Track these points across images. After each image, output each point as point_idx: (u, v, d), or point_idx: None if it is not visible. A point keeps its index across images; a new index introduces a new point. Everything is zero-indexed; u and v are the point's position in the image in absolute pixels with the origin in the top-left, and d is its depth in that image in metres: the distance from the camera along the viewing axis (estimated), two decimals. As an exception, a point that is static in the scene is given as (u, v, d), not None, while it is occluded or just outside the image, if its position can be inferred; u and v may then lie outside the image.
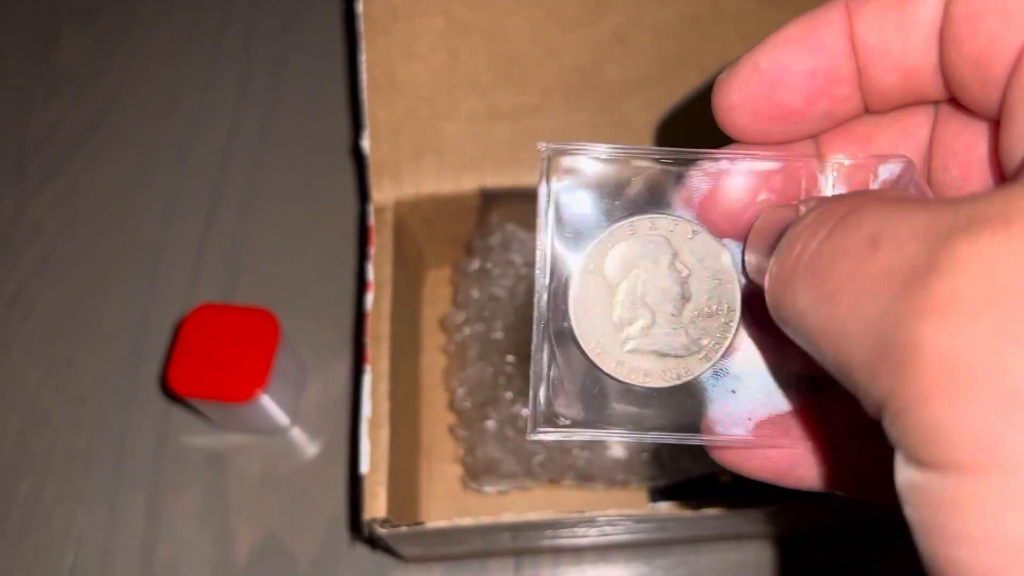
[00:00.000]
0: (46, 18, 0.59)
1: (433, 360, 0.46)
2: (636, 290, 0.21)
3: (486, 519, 0.35)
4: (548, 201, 0.21)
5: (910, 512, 0.14)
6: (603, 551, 0.42)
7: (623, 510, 0.35)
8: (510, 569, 0.42)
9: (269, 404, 0.43)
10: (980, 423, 0.13)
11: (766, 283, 0.18)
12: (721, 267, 0.21)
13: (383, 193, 0.42)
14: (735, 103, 0.21)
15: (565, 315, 0.21)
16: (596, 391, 0.22)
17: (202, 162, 0.54)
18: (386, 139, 0.42)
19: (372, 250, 0.41)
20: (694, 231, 0.21)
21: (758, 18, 0.43)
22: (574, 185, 0.22)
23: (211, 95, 0.56)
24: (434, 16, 0.43)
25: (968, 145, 0.21)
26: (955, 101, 0.20)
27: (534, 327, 0.21)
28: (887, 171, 0.21)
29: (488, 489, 0.43)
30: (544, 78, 0.43)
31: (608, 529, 0.37)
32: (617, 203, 0.22)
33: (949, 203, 0.15)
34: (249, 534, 0.44)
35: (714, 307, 0.21)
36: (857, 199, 0.17)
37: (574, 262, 0.21)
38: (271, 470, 0.45)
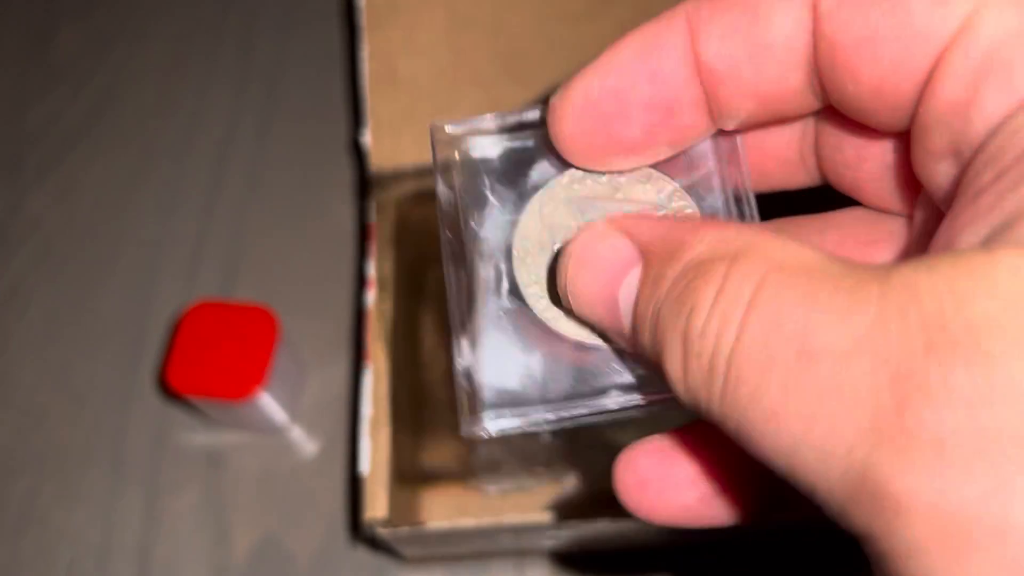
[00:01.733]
0: (43, 12, 0.59)
1: (434, 359, 0.46)
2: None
3: (488, 520, 0.35)
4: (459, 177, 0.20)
5: None
6: (605, 552, 0.42)
7: (625, 511, 0.34)
8: (511, 570, 0.42)
9: (268, 402, 0.43)
10: None
11: (672, 379, 0.16)
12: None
13: (384, 189, 0.42)
14: (568, 134, 0.19)
15: (499, 285, 0.20)
16: (538, 369, 0.20)
17: (200, 157, 0.54)
18: (387, 134, 0.42)
19: (372, 247, 0.40)
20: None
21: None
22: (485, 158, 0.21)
23: (209, 90, 0.56)
24: (436, 9, 0.43)
25: (859, 157, 0.19)
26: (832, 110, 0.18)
27: (458, 305, 0.20)
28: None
29: (490, 489, 0.42)
30: (548, 73, 0.42)
31: (611, 530, 0.37)
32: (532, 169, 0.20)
33: (875, 286, 0.13)
34: (247, 533, 0.44)
35: None
36: (759, 271, 0.14)
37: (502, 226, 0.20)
38: (270, 469, 0.45)
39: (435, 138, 0.20)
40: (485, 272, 0.20)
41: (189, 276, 0.50)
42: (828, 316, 0.13)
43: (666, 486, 0.19)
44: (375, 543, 0.42)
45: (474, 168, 0.21)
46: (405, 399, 0.41)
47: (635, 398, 0.19)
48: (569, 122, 0.19)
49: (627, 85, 0.18)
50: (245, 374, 0.41)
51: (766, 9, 0.17)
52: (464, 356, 0.20)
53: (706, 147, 0.20)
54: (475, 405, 0.20)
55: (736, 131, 0.20)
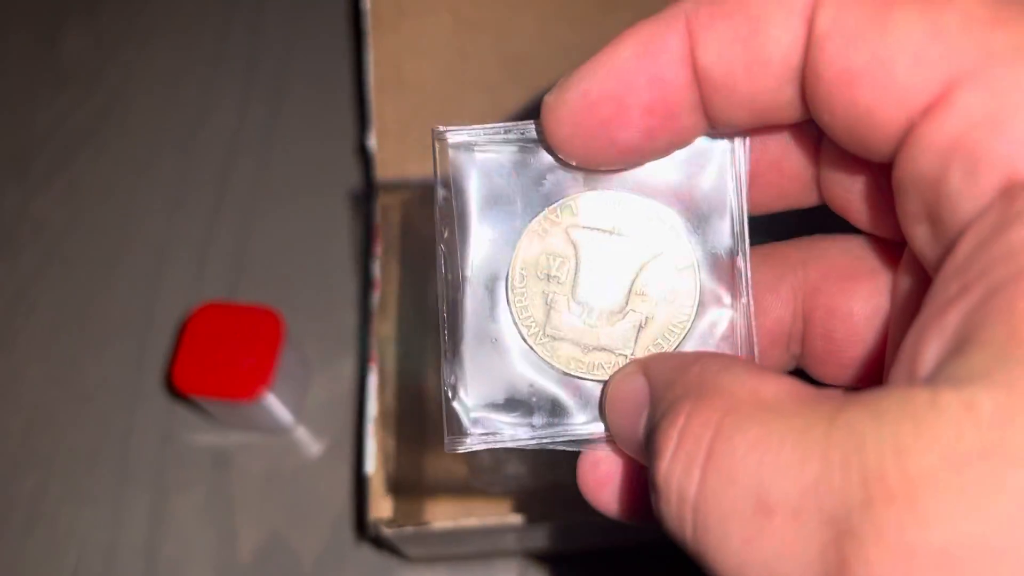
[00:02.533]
0: (49, 13, 0.59)
1: (439, 359, 0.46)
2: (578, 279, 0.20)
3: (492, 520, 0.35)
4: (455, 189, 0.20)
5: None
6: (608, 554, 0.42)
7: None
8: (515, 570, 0.42)
9: (274, 403, 0.43)
10: None
11: (659, 516, 0.16)
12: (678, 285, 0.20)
13: (389, 192, 0.42)
14: (565, 135, 0.19)
15: (492, 310, 0.20)
16: (526, 389, 0.21)
17: (206, 159, 0.54)
18: (393, 137, 0.42)
19: (378, 249, 0.41)
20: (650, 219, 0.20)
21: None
22: (487, 168, 0.20)
23: (215, 92, 0.56)
24: (442, 13, 0.43)
25: (848, 309, 0.20)
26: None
27: (450, 321, 0.20)
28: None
29: (494, 490, 0.42)
30: (553, 76, 0.42)
31: (614, 532, 0.37)
32: (541, 184, 0.20)
33: (821, 427, 0.13)
34: (253, 533, 0.44)
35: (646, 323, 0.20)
36: (712, 410, 0.15)
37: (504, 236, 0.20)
38: (275, 469, 0.45)
39: (436, 145, 0.20)
40: (478, 293, 0.20)
41: (195, 277, 0.50)
42: (778, 467, 0.13)
43: (628, 483, 0.20)
44: (380, 543, 0.42)
45: (474, 180, 0.20)
46: (410, 400, 0.41)
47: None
48: (566, 124, 0.18)
49: (626, 88, 0.18)
50: (251, 375, 0.41)
51: (765, 21, 0.16)
52: (450, 375, 0.20)
53: (720, 182, 0.20)
54: (453, 425, 0.20)
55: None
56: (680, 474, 0.15)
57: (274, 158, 0.54)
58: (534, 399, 0.20)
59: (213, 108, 0.55)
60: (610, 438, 0.20)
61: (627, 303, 0.20)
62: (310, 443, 0.46)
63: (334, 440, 0.46)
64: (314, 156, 0.53)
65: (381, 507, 0.35)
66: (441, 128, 0.20)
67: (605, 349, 0.20)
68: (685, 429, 0.15)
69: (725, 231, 0.20)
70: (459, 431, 0.20)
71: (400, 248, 0.41)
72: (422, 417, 0.44)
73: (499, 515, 0.35)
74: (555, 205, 0.20)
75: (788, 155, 0.20)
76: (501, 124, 0.20)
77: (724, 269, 0.20)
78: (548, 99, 0.19)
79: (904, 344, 0.15)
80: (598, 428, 0.20)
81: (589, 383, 0.20)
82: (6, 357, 0.49)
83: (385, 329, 0.39)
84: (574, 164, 0.20)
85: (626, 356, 0.20)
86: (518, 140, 0.20)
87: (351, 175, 0.52)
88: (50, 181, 0.54)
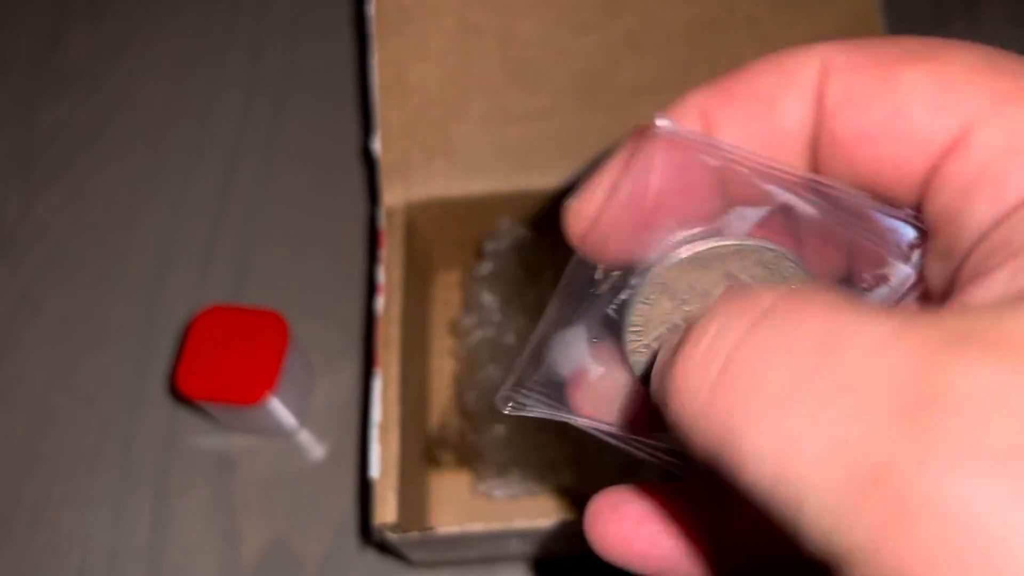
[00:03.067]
0: (52, 15, 0.59)
1: (443, 364, 0.46)
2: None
3: (497, 525, 0.35)
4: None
5: None
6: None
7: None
8: (519, 575, 0.42)
9: (277, 406, 0.43)
10: None
11: (667, 381, 0.15)
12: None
13: (394, 195, 0.42)
14: (584, 231, 0.19)
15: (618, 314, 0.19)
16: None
17: (210, 162, 0.54)
18: (397, 141, 0.42)
19: (382, 253, 0.41)
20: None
21: (772, 22, 0.43)
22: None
23: (219, 94, 0.56)
24: (446, 18, 0.43)
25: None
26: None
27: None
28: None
29: (498, 494, 0.42)
30: (556, 81, 0.43)
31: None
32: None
33: (908, 311, 0.13)
34: (256, 537, 0.44)
35: None
36: (784, 289, 0.14)
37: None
38: (279, 472, 0.45)
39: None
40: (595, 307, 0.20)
41: (199, 280, 0.50)
42: (856, 316, 0.13)
43: (631, 533, 0.20)
44: (384, 547, 0.42)
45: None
46: (414, 404, 0.41)
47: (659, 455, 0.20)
48: (586, 218, 0.19)
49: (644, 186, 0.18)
50: (255, 378, 0.41)
51: (778, 99, 0.17)
52: (542, 338, 0.20)
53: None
54: (521, 380, 0.20)
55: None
56: (723, 317, 0.14)
57: (278, 161, 0.54)
58: (602, 397, 0.21)
59: (216, 111, 0.55)
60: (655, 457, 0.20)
61: None
62: (314, 447, 0.46)
63: (338, 444, 0.46)
64: (318, 159, 0.53)
65: (386, 512, 0.35)
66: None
67: None
68: (741, 300, 0.14)
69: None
70: (515, 388, 0.20)
71: (404, 252, 0.41)
72: (426, 421, 0.44)
73: (504, 520, 0.35)
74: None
75: None
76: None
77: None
78: (570, 205, 0.19)
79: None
80: (647, 449, 0.21)
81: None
82: (9, 360, 0.49)
83: (389, 333, 0.39)
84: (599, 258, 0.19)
85: None
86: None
87: (355, 178, 0.52)
88: (53, 184, 0.54)
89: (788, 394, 0.13)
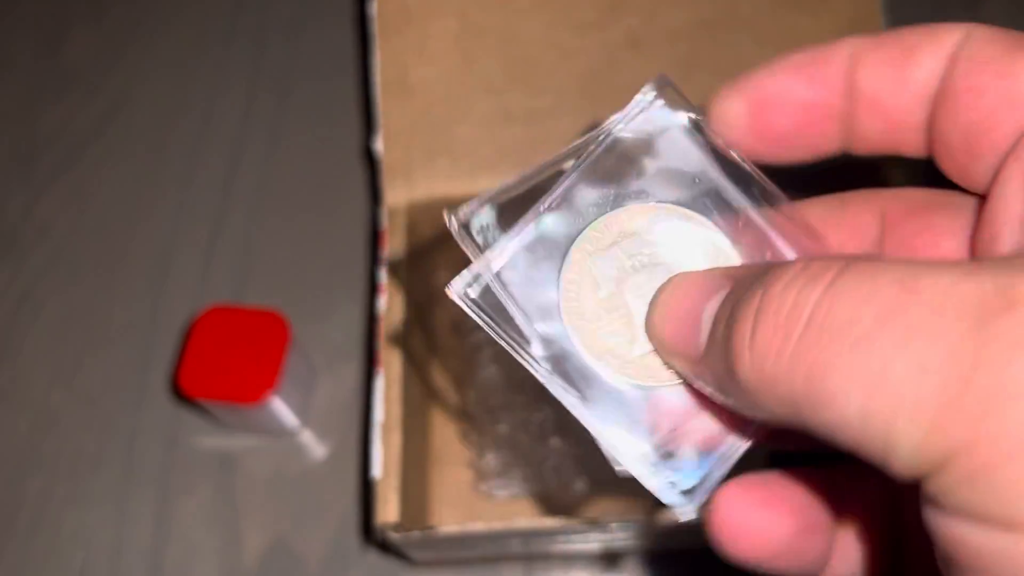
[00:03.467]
0: (54, 16, 0.59)
1: (445, 364, 0.46)
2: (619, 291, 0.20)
3: (498, 525, 0.35)
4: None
5: None
6: (614, 557, 0.42)
7: (635, 516, 0.35)
8: (521, 574, 0.42)
9: (279, 406, 0.43)
10: None
11: (739, 352, 0.16)
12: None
13: (395, 195, 0.42)
14: (730, 116, 0.21)
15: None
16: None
17: (212, 162, 0.54)
18: (399, 141, 0.42)
19: (384, 253, 0.41)
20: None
21: (773, 22, 0.43)
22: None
23: (221, 95, 0.56)
24: (448, 18, 0.43)
25: (930, 243, 0.21)
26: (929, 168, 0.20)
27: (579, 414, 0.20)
28: None
29: (500, 494, 0.42)
30: (558, 81, 0.43)
31: (620, 535, 0.37)
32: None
33: (967, 260, 0.14)
34: (258, 537, 0.44)
35: None
36: (849, 256, 0.15)
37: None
38: (280, 472, 0.45)
39: (452, 229, 0.21)
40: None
41: (201, 280, 0.50)
42: (928, 265, 0.14)
43: (765, 521, 0.20)
44: (386, 547, 0.42)
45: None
46: (416, 404, 0.41)
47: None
48: (733, 107, 0.21)
49: (793, 84, 0.21)
50: (257, 378, 0.41)
51: (917, 50, 0.19)
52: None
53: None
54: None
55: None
56: (804, 276, 0.15)
57: (280, 161, 0.54)
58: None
59: (218, 111, 0.55)
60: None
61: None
62: (315, 446, 0.46)
63: (339, 443, 0.46)
64: (320, 159, 0.53)
65: (387, 512, 0.35)
66: (449, 212, 0.21)
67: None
68: (812, 262, 0.15)
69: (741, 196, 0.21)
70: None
71: (406, 252, 0.41)
72: (428, 422, 0.44)
73: (505, 520, 0.35)
74: (569, 255, 0.21)
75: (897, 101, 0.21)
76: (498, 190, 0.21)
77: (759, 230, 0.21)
78: (723, 87, 0.21)
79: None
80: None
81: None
82: (11, 359, 0.49)
83: (391, 333, 0.39)
84: (724, 141, 0.21)
85: None
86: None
87: (357, 178, 0.52)
88: (55, 183, 0.54)
89: (875, 329, 0.13)
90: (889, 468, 0.14)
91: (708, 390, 0.18)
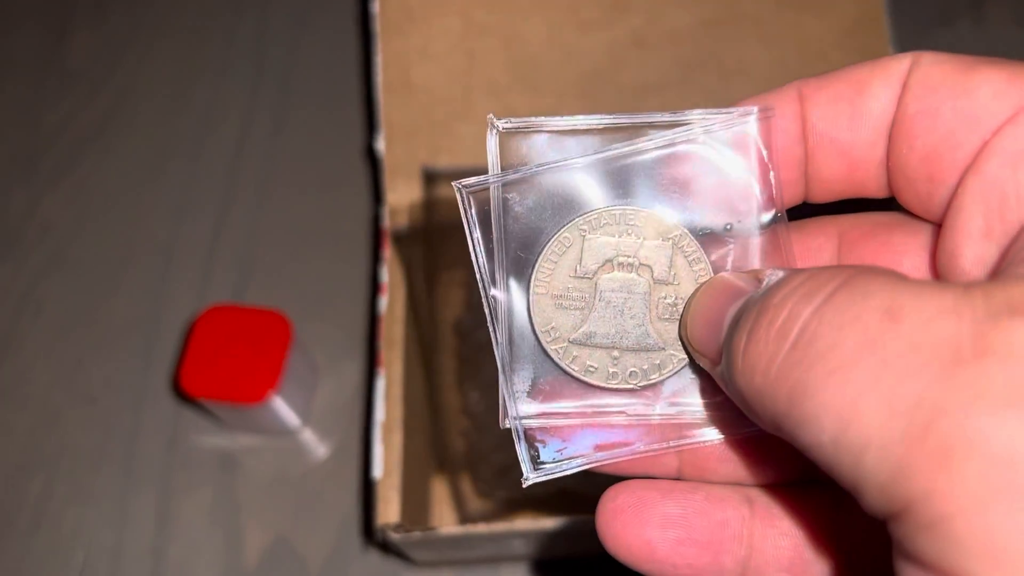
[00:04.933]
0: (57, 14, 0.59)
1: (446, 364, 0.46)
2: (598, 286, 0.21)
3: (499, 525, 0.35)
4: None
5: None
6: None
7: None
8: (522, 575, 0.42)
9: (280, 406, 0.43)
10: None
11: (734, 358, 0.16)
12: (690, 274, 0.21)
13: (397, 195, 0.42)
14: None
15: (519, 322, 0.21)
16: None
17: (214, 161, 0.54)
18: (401, 141, 0.42)
19: (386, 252, 0.41)
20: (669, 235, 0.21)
21: (777, 21, 0.43)
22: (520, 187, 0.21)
23: (223, 94, 0.56)
24: (451, 17, 0.43)
25: (890, 264, 0.20)
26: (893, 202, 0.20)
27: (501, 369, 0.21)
28: None
29: (501, 494, 0.42)
30: (561, 80, 0.43)
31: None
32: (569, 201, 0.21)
33: (961, 285, 0.14)
34: (260, 536, 0.44)
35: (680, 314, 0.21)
36: (849, 269, 0.15)
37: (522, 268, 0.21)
38: (282, 472, 0.45)
39: (463, 194, 0.21)
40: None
41: (203, 279, 0.50)
42: (916, 291, 0.14)
43: (656, 538, 0.20)
44: (387, 547, 0.42)
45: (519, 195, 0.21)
46: (417, 404, 0.41)
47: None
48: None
49: None
50: (258, 378, 0.41)
51: (868, 83, 0.19)
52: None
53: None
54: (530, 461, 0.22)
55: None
56: (799, 292, 0.15)
57: (282, 160, 0.54)
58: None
59: (221, 110, 0.55)
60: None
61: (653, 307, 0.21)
62: (317, 446, 0.46)
63: (341, 443, 0.46)
64: (322, 158, 0.53)
65: (388, 512, 0.35)
66: (460, 183, 0.21)
67: (651, 349, 0.21)
68: (814, 274, 0.16)
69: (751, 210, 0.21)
70: (536, 464, 0.21)
71: (408, 251, 0.41)
72: (429, 421, 0.44)
73: (506, 521, 0.35)
74: (577, 218, 0.21)
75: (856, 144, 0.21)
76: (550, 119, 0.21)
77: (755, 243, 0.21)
78: None
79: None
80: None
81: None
82: (13, 358, 0.49)
83: (393, 333, 0.39)
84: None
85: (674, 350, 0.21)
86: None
87: (359, 177, 0.52)
88: (57, 182, 0.54)
89: (855, 357, 0.14)
90: (860, 502, 0.14)
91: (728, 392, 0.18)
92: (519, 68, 0.43)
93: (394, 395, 0.37)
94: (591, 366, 0.21)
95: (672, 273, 0.20)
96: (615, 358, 0.21)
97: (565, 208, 0.21)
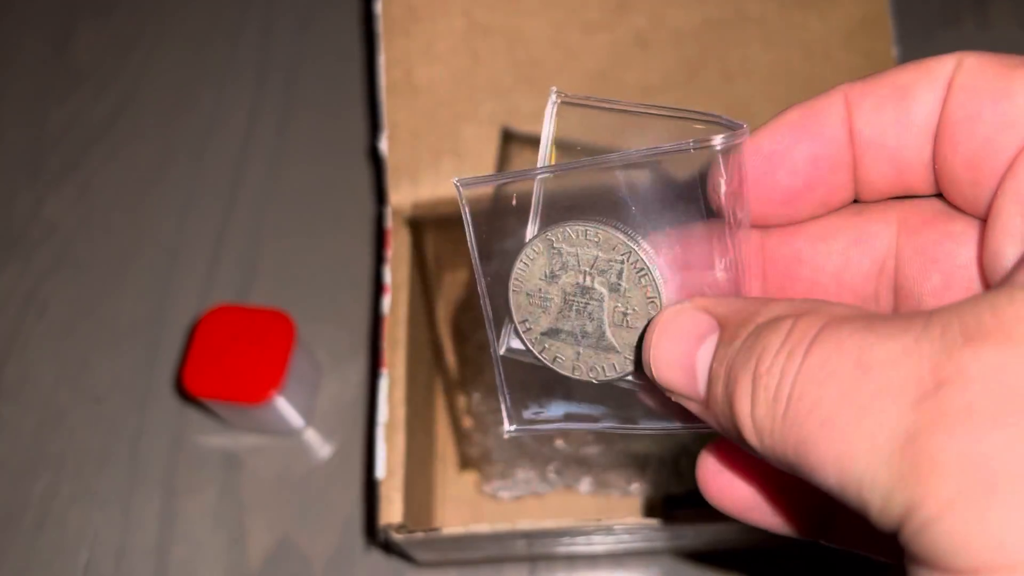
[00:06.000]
0: (62, 14, 0.59)
1: (449, 364, 0.46)
2: (567, 282, 0.23)
3: (502, 526, 0.35)
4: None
5: None
6: (619, 558, 0.42)
7: (640, 518, 0.35)
8: (525, 575, 0.42)
9: (284, 406, 0.43)
10: (1009, 526, 0.14)
11: (742, 422, 0.18)
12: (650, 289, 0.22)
13: (401, 195, 0.42)
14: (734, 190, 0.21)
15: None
16: (558, 387, 0.24)
17: (218, 161, 0.54)
18: (404, 141, 0.42)
19: (389, 253, 0.41)
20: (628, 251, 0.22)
21: (781, 22, 0.43)
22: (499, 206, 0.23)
23: (228, 93, 0.56)
24: (455, 18, 0.43)
25: (949, 253, 0.21)
26: (942, 200, 0.21)
27: (491, 340, 0.23)
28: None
29: (503, 495, 0.42)
30: (565, 81, 0.43)
31: (624, 537, 0.37)
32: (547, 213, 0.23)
33: (921, 318, 0.15)
34: (263, 536, 0.44)
35: (631, 322, 0.22)
36: (821, 317, 0.17)
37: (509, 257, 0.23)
38: (286, 471, 0.45)
39: (461, 194, 0.23)
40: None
41: (206, 279, 0.50)
42: (881, 337, 0.16)
43: (729, 478, 0.22)
44: (389, 547, 0.42)
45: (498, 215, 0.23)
46: (420, 404, 0.41)
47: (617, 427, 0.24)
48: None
49: (794, 142, 0.21)
50: (262, 378, 0.41)
51: (913, 87, 0.20)
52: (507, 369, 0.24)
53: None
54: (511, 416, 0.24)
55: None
56: (784, 361, 0.17)
57: (286, 161, 0.54)
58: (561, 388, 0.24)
59: (225, 110, 0.55)
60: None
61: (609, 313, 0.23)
62: (320, 446, 0.46)
63: (344, 442, 0.46)
64: (326, 159, 0.53)
65: (391, 512, 0.35)
66: (461, 181, 0.23)
67: (608, 350, 0.23)
68: (792, 331, 0.17)
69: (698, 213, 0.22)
70: (517, 418, 0.24)
71: (411, 251, 0.41)
72: (432, 422, 0.44)
73: (509, 521, 0.35)
74: (548, 231, 0.23)
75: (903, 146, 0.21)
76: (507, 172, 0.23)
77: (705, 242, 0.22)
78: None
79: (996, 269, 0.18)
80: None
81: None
82: (18, 358, 0.49)
83: (396, 333, 0.39)
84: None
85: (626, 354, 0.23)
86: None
87: (362, 177, 0.52)
88: (62, 183, 0.54)
89: (835, 411, 0.16)
90: (874, 524, 0.16)
91: (711, 423, 0.20)
92: (523, 69, 0.43)
93: (397, 395, 0.37)
94: (559, 357, 0.23)
95: (622, 286, 0.22)
96: (578, 353, 0.23)
97: (547, 212, 0.23)
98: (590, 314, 0.22)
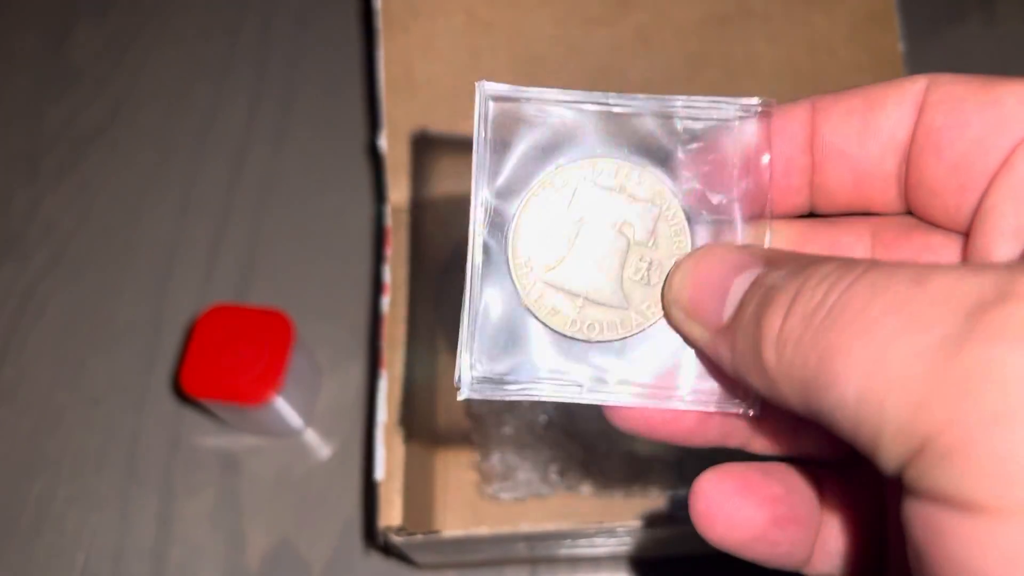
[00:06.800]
0: (59, 12, 0.59)
1: (449, 364, 0.46)
2: (579, 232, 0.21)
3: (503, 528, 0.34)
4: (485, 140, 0.22)
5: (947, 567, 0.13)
6: (620, 561, 0.42)
7: (642, 520, 0.34)
8: (526, 578, 0.42)
9: (283, 406, 0.42)
10: None
11: (765, 332, 0.17)
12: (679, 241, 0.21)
13: (400, 193, 0.42)
14: None
15: (501, 250, 0.21)
16: (525, 344, 0.21)
17: (216, 160, 0.53)
18: (403, 139, 0.42)
19: (388, 251, 0.40)
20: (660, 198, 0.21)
21: (785, 17, 0.42)
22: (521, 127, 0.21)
23: (226, 92, 0.56)
24: (455, 14, 0.42)
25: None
26: (908, 219, 0.21)
27: (468, 272, 0.21)
28: None
29: (504, 497, 0.42)
30: (566, 77, 0.42)
31: (627, 539, 0.37)
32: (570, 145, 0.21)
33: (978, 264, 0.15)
34: (262, 538, 0.43)
35: (652, 278, 0.21)
36: (862, 262, 0.16)
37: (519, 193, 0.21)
38: (284, 472, 0.45)
39: (482, 99, 0.22)
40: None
41: (205, 279, 0.50)
42: (947, 266, 0.15)
43: (739, 507, 0.20)
44: (389, 549, 0.42)
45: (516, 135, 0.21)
46: (420, 405, 0.41)
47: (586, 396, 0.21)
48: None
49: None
50: (260, 378, 0.41)
51: (882, 100, 0.20)
52: (471, 325, 0.21)
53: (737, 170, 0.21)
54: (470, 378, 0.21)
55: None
56: (836, 276, 0.16)
57: (284, 159, 0.53)
58: (536, 345, 0.21)
59: (223, 109, 0.55)
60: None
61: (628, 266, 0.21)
62: (319, 446, 0.45)
63: (343, 443, 0.45)
64: (324, 157, 0.53)
65: (391, 515, 0.35)
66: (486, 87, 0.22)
67: (613, 306, 0.21)
68: (844, 262, 0.16)
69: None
70: (475, 380, 0.21)
71: (411, 250, 0.40)
72: (432, 423, 0.44)
73: (510, 523, 0.34)
74: (581, 160, 0.21)
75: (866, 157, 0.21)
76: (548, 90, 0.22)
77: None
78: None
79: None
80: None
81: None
82: (14, 359, 0.49)
83: (395, 333, 0.38)
84: None
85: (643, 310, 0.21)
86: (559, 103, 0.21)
87: (361, 176, 0.52)
88: (59, 182, 0.54)
89: (881, 318, 0.15)
90: (878, 457, 0.14)
91: (719, 357, 0.19)
92: (524, 65, 0.42)
93: (395, 396, 0.37)
94: (555, 308, 0.21)
95: (652, 239, 0.21)
96: (579, 307, 0.21)
97: (571, 146, 0.21)
98: (605, 264, 0.21)
